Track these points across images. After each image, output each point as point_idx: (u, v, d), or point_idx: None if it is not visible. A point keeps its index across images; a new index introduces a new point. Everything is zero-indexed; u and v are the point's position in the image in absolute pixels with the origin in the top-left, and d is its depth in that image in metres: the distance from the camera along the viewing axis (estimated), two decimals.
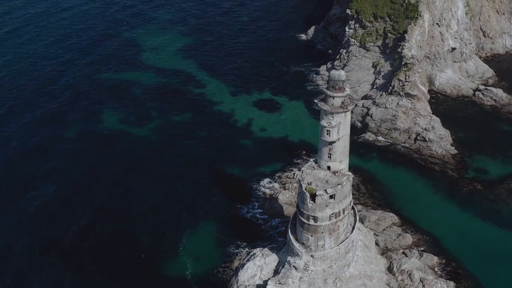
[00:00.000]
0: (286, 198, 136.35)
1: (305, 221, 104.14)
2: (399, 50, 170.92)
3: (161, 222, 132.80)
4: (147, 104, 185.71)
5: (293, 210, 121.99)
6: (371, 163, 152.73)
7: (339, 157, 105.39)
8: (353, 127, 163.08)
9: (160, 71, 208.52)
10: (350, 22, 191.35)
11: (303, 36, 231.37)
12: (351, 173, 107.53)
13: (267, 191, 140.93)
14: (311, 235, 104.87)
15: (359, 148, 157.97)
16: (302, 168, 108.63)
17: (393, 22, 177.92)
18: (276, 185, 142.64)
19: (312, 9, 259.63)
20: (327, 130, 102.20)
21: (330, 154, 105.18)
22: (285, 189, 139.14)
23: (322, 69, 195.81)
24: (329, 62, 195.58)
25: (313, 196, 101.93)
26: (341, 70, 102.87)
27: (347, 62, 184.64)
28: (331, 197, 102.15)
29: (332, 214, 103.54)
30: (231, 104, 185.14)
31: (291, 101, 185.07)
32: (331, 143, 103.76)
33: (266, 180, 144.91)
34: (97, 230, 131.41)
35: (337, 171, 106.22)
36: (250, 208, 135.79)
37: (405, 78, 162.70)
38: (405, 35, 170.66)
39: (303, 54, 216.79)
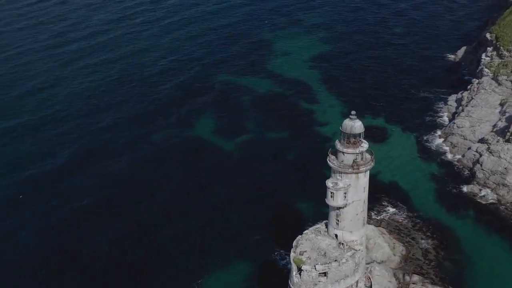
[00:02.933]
0: None
1: None
2: None
3: (190, 252, 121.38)
4: (248, 115, 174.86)
5: None
6: (459, 223, 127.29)
7: (349, 227, 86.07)
8: (458, 175, 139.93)
9: (278, 80, 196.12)
10: (488, 48, 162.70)
11: (451, 57, 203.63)
12: (361, 249, 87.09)
13: None
14: None
15: (455, 202, 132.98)
16: (305, 231, 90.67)
17: None
18: None
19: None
20: (331, 192, 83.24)
21: (338, 221, 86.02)
22: None
23: (451, 99, 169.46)
24: (461, 92, 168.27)
25: (300, 270, 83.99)
26: (356, 120, 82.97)
27: (475, 95, 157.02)
28: (324, 274, 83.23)
29: None
30: (336, 127, 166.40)
31: (403, 132, 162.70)
32: (339, 208, 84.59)
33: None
34: (118, 248, 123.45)
35: (345, 243, 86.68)
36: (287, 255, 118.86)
37: None
38: None
39: (440, 77, 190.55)
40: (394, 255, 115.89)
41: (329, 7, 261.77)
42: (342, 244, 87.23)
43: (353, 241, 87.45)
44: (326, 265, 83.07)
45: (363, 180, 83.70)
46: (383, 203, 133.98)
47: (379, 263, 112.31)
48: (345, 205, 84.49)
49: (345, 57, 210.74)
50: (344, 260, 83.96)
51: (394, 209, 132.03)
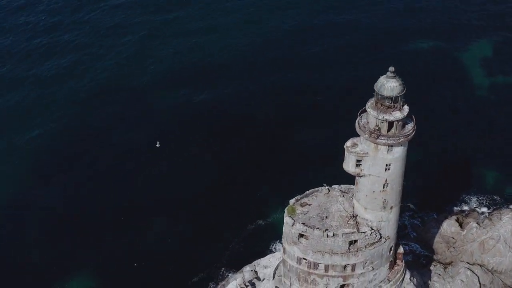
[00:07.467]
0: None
1: (282, 243, 78.76)
2: None
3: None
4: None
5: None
6: None
7: (364, 202, 72.43)
8: None
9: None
10: None
11: None
12: (368, 233, 72.22)
13: None
14: (283, 265, 79.36)
15: None
16: (337, 186, 78.44)
17: None
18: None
19: None
20: (346, 153, 70.41)
21: (356, 190, 73.04)
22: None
23: None
24: None
25: None
26: (393, 79, 65.09)
27: None
28: (303, 236, 73.12)
29: (303, 258, 74.59)
30: None
31: None
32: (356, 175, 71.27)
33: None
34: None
35: (356, 217, 73.66)
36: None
37: None
38: None
39: None
40: None
41: None
42: (354, 217, 73.11)
43: (368, 220, 72.35)
44: (308, 229, 71.32)
45: (385, 155, 66.42)
46: None
47: (488, 269, 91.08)
48: (358, 175, 69.44)
49: None
50: (330, 234, 70.69)
51: None
